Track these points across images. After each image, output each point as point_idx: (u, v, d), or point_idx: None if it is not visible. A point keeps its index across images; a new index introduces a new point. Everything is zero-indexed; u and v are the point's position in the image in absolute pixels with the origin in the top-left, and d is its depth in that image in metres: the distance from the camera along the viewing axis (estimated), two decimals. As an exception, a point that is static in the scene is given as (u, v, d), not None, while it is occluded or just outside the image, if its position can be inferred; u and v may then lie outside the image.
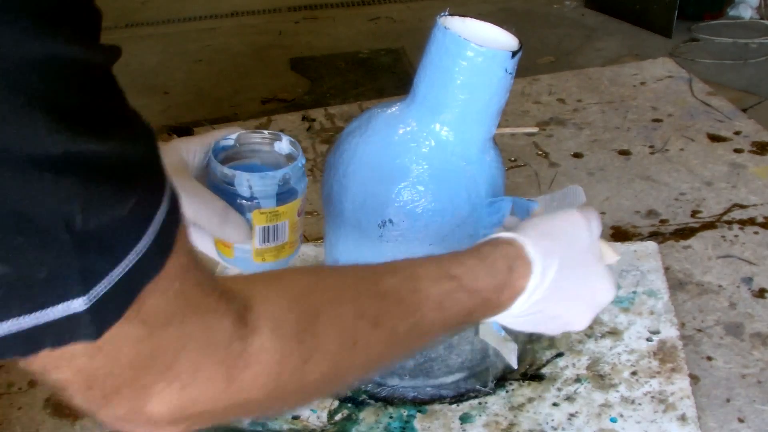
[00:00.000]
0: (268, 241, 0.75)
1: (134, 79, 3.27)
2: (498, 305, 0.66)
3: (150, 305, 0.43)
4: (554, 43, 3.43)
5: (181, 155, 0.75)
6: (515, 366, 0.89)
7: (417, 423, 0.89)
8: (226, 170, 0.73)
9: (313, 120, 1.63)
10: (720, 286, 1.09)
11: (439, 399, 0.92)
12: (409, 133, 0.84)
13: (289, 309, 0.51)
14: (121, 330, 0.42)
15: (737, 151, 1.42)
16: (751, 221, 1.23)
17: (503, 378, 0.93)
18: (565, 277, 0.68)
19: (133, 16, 4.06)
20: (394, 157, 0.84)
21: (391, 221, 0.84)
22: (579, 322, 0.72)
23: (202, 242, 0.80)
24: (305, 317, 0.52)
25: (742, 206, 1.26)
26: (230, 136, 0.77)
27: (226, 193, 0.73)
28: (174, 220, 0.45)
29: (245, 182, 0.72)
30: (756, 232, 1.20)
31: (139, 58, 3.53)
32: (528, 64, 1.50)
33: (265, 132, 0.78)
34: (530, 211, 0.79)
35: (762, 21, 3.53)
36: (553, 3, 3.94)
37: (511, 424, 0.88)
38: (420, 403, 0.91)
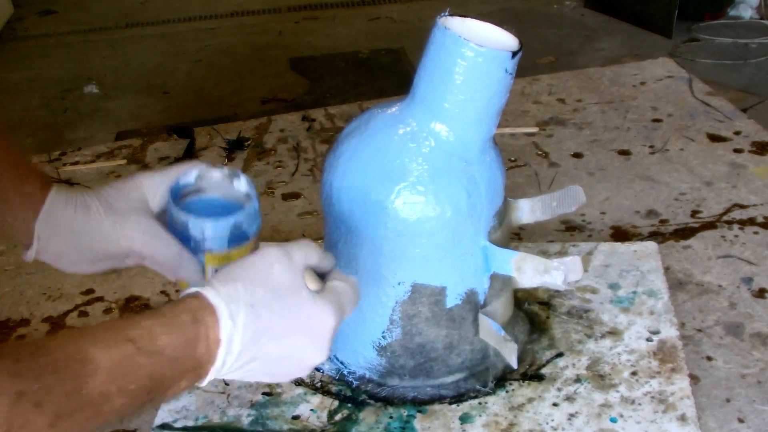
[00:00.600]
0: None
1: (134, 79, 3.27)
2: (197, 363, 0.64)
3: None
4: (554, 43, 3.43)
5: (144, 191, 0.79)
6: (515, 366, 0.89)
7: (417, 423, 0.89)
8: (182, 216, 0.77)
9: (313, 120, 1.63)
10: (720, 286, 1.09)
11: (439, 399, 0.92)
12: (409, 133, 0.84)
13: None
14: None
15: (737, 151, 1.42)
16: (751, 221, 1.23)
17: (503, 378, 0.93)
18: (261, 315, 0.66)
19: (133, 16, 4.06)
20: (394, 157, 0.84)
21: (391, 221, 0.84)
22: (311, 356, 0.69)
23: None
24: None
25: (742, 206, 1.26)
26: (190, 172, 0.80)
27: (181, 234, 0.77)
28: None
29: (198, 228, 0.76)
30: (756, 232, 1.20)
31: (139, 58, 3.53)
32: (528, 64, 1.50)
33: (226, 169, 0.81)
34: None
35: (762, 21, 3.53)
36: (553, 3, 3.94)
37: (511, 424, 0.88)
38: (420, 403, 0.91)
